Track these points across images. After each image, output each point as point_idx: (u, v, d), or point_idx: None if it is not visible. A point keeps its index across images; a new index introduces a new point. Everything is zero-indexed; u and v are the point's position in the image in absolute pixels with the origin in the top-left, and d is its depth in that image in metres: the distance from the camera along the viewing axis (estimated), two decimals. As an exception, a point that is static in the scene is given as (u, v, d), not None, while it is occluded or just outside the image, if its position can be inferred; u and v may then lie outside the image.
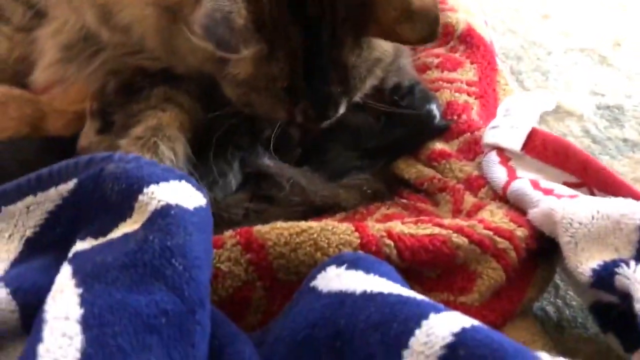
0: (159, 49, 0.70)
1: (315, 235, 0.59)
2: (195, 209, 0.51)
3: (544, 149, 0.71)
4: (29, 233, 0.55)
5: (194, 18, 0.61)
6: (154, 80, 0.75)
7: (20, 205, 0.55)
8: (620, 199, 0.60)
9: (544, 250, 0.64)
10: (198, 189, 0.54)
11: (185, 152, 0.72)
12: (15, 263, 0.54)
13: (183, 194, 0.51)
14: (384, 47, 0.72)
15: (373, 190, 0.75)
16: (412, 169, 0.80)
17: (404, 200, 0.74)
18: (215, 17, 0.59)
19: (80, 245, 0.51)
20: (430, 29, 0.66)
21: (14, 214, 0.55)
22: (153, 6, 0.64)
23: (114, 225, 0.51)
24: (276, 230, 0.60)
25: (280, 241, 0.59)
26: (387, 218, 0.68)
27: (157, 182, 0.51)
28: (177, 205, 0.49)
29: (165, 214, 0.49)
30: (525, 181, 0.68)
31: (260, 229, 0.60)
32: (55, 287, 0.46)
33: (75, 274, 0.47)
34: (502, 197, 0.70)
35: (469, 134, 0.82)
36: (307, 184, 0.72)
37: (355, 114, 0.82)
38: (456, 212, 0.69)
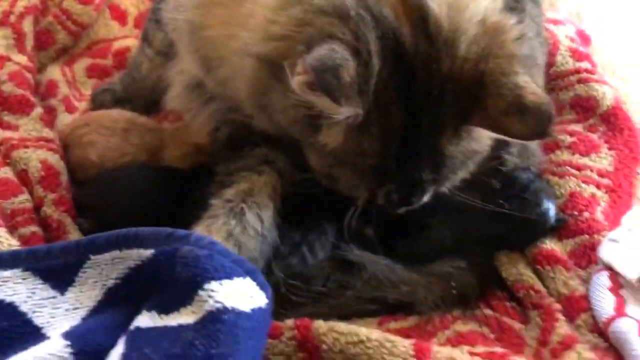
0: (250, 104, 0.69)
1: (371, 351, 0.56)
2: (252, 310, 0.52)
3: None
4: (110, 283, 0.59)
5: (303, 61, 0.57)
6: (257, 139, 0.75)
7: (107, 256, 0.59)
8: None
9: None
10: (262, 286, 0.54)
11: (273, 220, 0.72)
12: (91, 313, 0.59)
13: (242, 295, 0.52)
14: (484, 140, 0.65)
15: (458, 292, 0.69)
16: (512, 269, 0.73)
17: (489, 312, 0.68)
18: (325, 63, 0.56)
19: (142, 320, 0.54)
20: (541, 126, 0.60)
21: (100, 263, 0.59)
22: (253, 58, 0.63)
23: (176, 307, 0.53)
24: (334, 334, 0.58)
25: (336, 347, 0.58)
26: (460, 338, 0.63)
27: (220, 279, 0.52)
28: (232, 309, 0.51)
29: (217, 319, 0.50)
30: (633, 324, 0.59)
31: (319, 326, 0.59)
32: None
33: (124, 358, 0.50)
34: (602, 332, 0.62)
35: (586, 235, 0.74)
36: (386, 276, 0.69)
37: (465, 194, 0.76)
38: (542, 343, 0.62)
